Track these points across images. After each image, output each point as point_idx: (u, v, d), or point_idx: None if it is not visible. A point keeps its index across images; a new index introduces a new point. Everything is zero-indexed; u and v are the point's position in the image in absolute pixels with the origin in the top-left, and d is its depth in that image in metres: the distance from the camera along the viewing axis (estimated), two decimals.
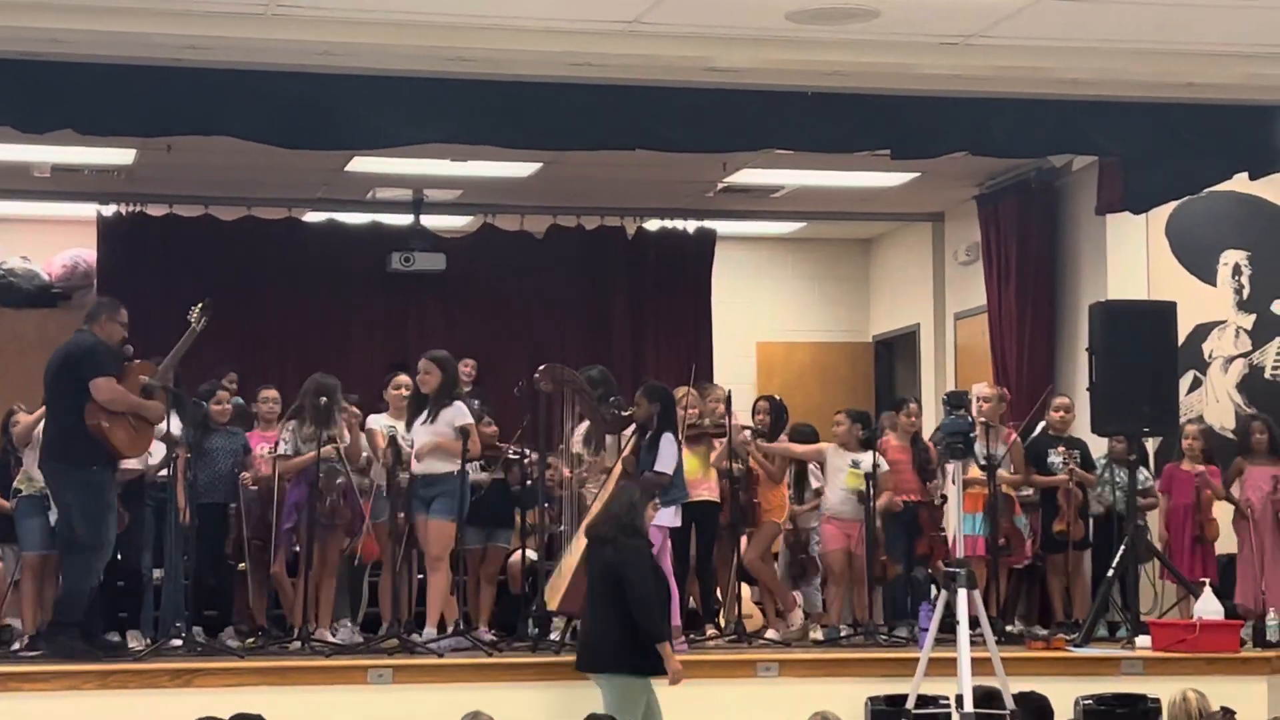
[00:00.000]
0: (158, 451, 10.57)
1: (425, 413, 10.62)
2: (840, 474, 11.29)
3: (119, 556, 10.46)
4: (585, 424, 11.23)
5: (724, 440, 11.18)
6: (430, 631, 10.45)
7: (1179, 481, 11.94)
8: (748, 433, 11.49)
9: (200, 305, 10.41)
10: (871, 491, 11.10)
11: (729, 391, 11.51)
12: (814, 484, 11.73)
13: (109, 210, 14.51)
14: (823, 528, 11.42)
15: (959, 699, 8.21)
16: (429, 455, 10.52)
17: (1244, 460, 11.92)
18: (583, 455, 11.20)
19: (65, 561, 10.12)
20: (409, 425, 10.66)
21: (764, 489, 11.43)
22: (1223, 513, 11.97)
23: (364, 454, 10.94)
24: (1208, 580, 11.32)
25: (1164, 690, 9.61)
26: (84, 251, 14.81)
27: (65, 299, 14.88)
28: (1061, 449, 11.81)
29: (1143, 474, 11.93)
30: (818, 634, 11.30)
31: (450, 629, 10.50)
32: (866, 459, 11.22)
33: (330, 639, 10.62)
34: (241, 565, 11.19)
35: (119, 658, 9.94)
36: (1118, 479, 11.77)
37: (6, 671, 9.40)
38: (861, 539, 11.23)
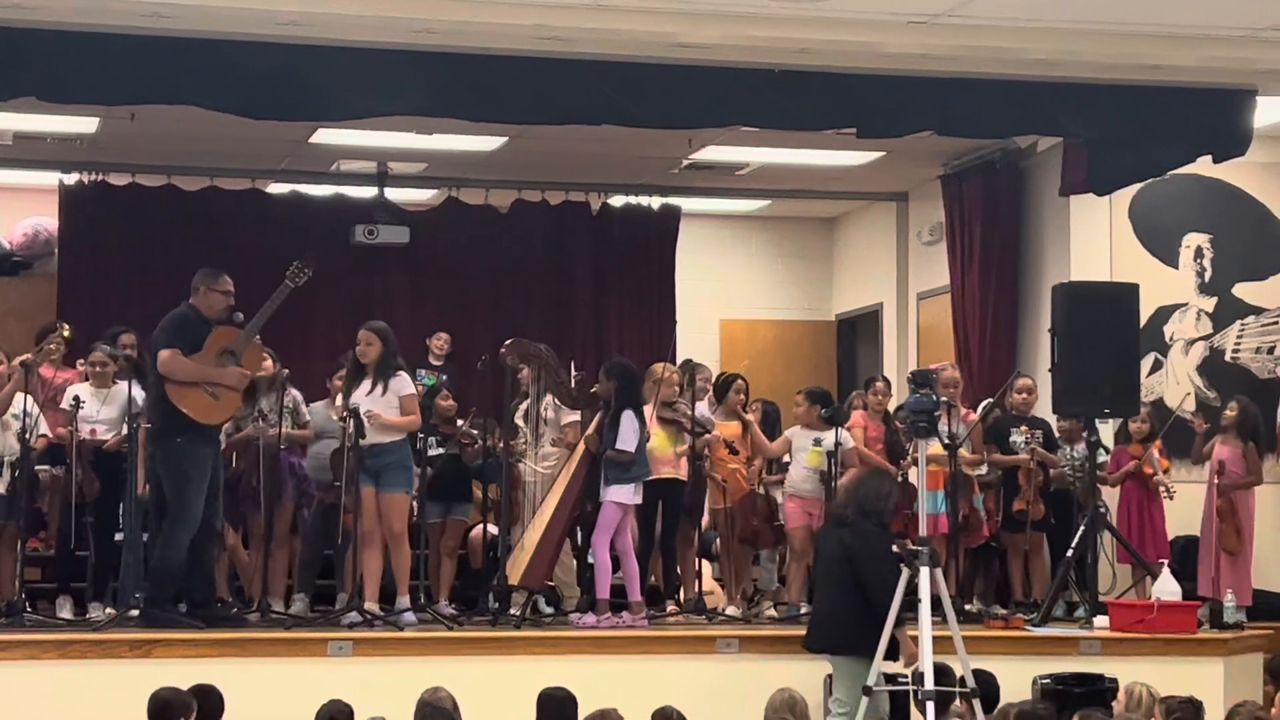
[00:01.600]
0: (116, 423, 10.58)
1: (370, 384, 10.54)
2: (803, 453, 11.32)
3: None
4: (528, 400, 11.22)
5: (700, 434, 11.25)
6: (403, 601, 10.45)
7: (1123, 462, 12.01)
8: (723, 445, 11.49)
9: (299, 263, 10.35)
10: (834, 470, 11.15)
11: (695, 370, 11.54)
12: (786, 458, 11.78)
13: (71, 179, 14.43)
14: (785, 505, 11.45)
15: (919, 676, 8.25)
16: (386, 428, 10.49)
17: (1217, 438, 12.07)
18: (520, 429, 11.20)
19: (157, 536, 10.19)
20: (346, 395, 10.55)
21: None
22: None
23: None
24: (1166, 561, 11.38)
25: (1122, 670, 9.70)
26: (45, 220, 14.72)
27: (26, 268, 14.80)
28: (1024, 428, 11.84)
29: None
30: (772, 611, 11.34)
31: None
32: (829, 437, 11.25)
33: (283, 611, 10.61)
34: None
35: (81, 627, 9.94)
36: (1074, 456, 11.84)
37: None
38: (823, 516, 11.25)
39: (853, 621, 9.12)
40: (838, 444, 11.24)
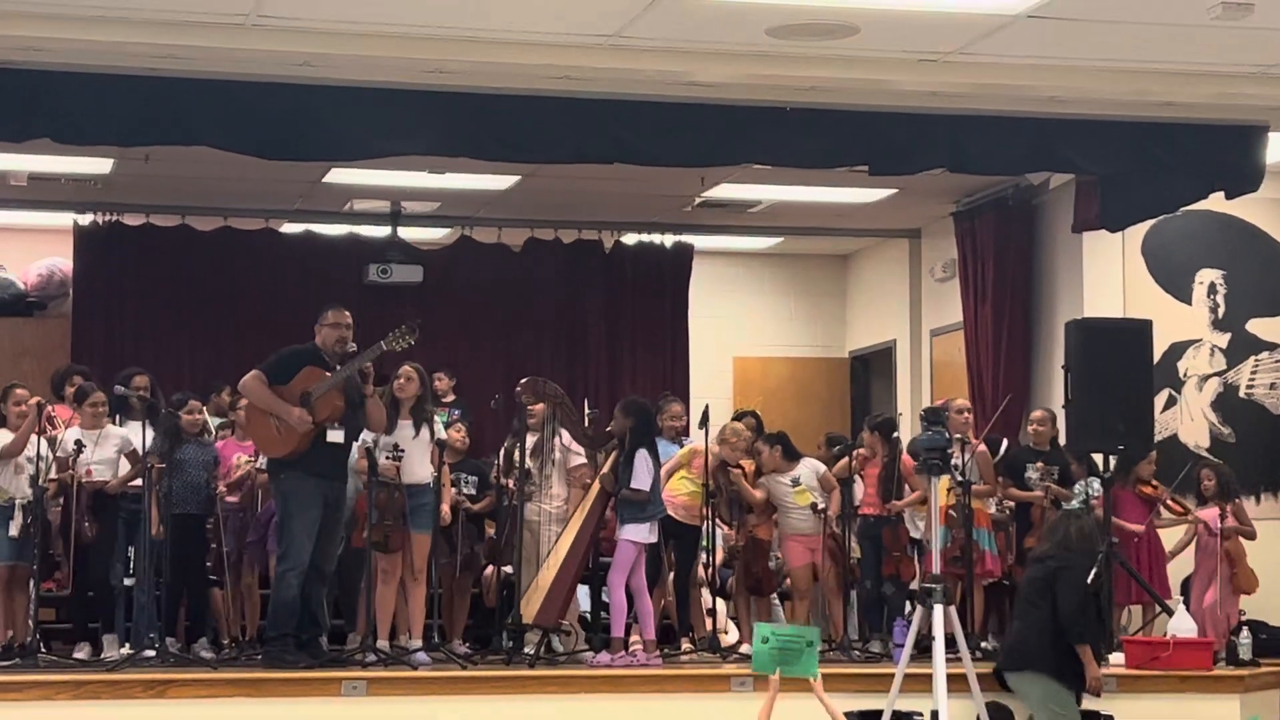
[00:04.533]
0: (112, 463, 10.63)
1: (411, 424, 10.60)
2: (788, 498, 11.33)
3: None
4: (535, 437, 11.20)
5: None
6: (415, 642, 10.47)
7: (1124, 503, 11.94)
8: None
9: (407, 326, 10.32)
10: (847, 507, 11.18)
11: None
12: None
13: (86, 219, 14.48)
14: (785, 546, 11.44)
15: (934, 715, 8.24)
16: (416, 466, 10.54)
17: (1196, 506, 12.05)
18: (531, 469, 11.18)
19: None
20: (388, 431, 10.57)
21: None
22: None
23: None
24: (1181, 599, 11.32)
25: (1137, 708, 9.70)
26: (60, 261, 14.77)
27: (41, 308, 14.85)
28: (1040, 464, 11.79)
29: (1096, 485, 11.88)
30: None
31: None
32: (804, 472, 11.30)
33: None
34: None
35: (96, 668, 9.94)
36: (1089, 492, 11.81)
37: None
38: (824, 550, 11.27)
39: (1044, 642, 9.59)
40: (852, 478, 11.28)
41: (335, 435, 10.16)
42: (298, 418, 10.03)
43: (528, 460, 11.07)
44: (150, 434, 10.53)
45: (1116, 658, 10.79)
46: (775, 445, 11.44)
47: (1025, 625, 9.84)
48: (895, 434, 11.57)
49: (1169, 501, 12.01)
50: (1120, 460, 11.62)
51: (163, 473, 10.43)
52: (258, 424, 10.22)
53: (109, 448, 10.63)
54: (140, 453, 10.48)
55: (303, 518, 10.04)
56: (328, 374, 10.13)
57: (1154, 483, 11.97)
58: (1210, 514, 11.81)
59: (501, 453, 11.17)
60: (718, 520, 11.29)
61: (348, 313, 10.39)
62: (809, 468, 11.39)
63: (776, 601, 12.00)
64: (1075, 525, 10.07)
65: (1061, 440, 11.96)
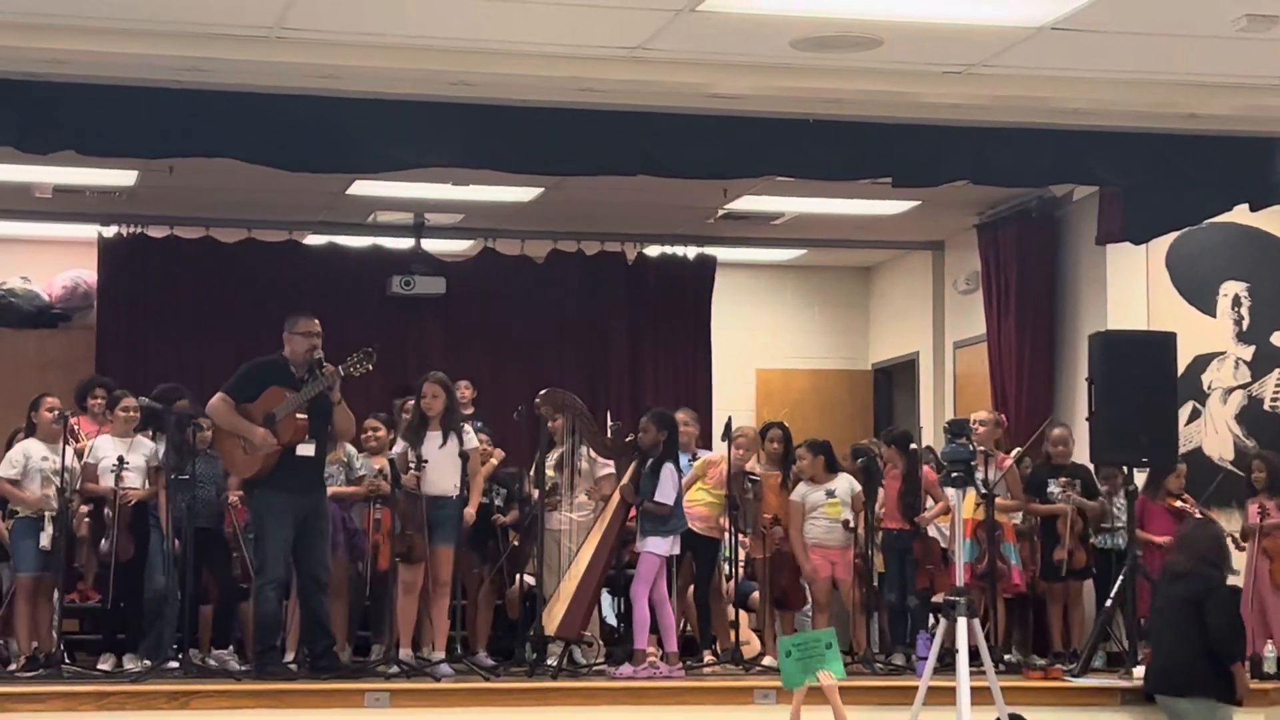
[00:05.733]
0: (144, 471, 10.71)
1: (439, 436, 10.61)
2: (821, 506, 11.32)
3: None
4: (560, 449, 11.21)
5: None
6: (439, 654, 10.48)
7: (1152, 515, 11.91)
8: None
9: (367, 352, 10.34)
10: (870, 519, 11.16)
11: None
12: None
13: (110, 231, 14.51)
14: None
15: None
16: (441, 478, 10.55)
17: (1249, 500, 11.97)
18: (555, 480, 11.18)
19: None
20: (416, 445, 10.59)
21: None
22: None
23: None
24: None
25: None
26: (84, 272, 14.80)
27: (65, 320, 14.87)
28: (1062, 479, 11.78)
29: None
30: None
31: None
32: (841, 486, 11.29)
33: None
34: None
35: (120, 679, 9.96)
36: (1119, 508, 11.77)
37: (3, 692, 9.37)
38: (847, 565, 11.26)
39: (1201, 665, 9.72)
40: (877, 487, 11.26)
41: (305, 449, 10.21)
42: (262, 438, 10.10)
43: (552, 472, 11.08)
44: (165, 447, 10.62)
45: (1140, 671, 10.76)
46: (819, 454, 11.42)
47: (1178, 649, 9.85)
48: (912, 445, 11.58)
49: (1198, 515, 11.96)
50: (1150, 473, 11.59)
51: (180, 485, 10.44)
52: (226, 445, 10.32)
53: (139, 456, 10.68)
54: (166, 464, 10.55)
55: (275, 533, 10.13)
56: (290, 393, 10.18)
57: (1185, 495, 11.93)
58: (1250, 510, 11.77)
59: (534, 466, 11.17)
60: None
61: (317, 321, 10.46)
62: (846, 482, 11.36)
63: (807, 613, 11.99)
64: (1210, 533, 10.24)
65: (1085, 452, 11.94)
